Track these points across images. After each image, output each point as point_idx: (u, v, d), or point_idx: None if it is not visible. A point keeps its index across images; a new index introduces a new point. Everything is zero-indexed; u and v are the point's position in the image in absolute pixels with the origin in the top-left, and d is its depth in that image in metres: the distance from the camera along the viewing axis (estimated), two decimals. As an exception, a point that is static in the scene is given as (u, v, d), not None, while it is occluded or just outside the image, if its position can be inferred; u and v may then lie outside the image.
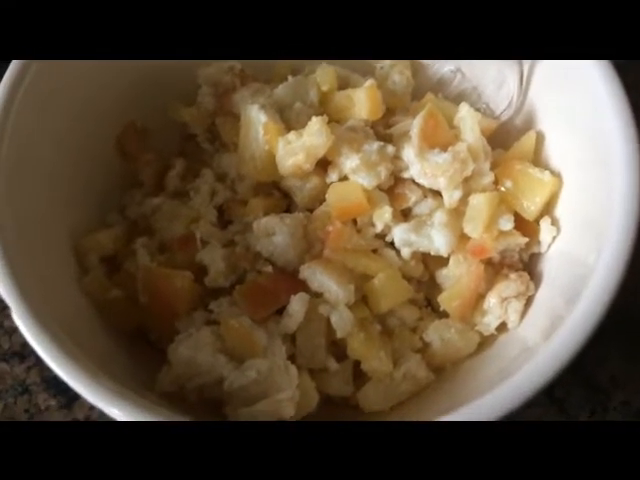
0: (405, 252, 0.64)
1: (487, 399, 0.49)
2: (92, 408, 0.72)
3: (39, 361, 0.73)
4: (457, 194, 0.63)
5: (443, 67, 0.74)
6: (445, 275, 0.65)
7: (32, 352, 0.74)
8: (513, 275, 0.63)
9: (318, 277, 0.62)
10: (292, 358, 0.61)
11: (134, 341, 0.63)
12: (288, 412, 0.55)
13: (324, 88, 0.70)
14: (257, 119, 0.65)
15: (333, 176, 0.65)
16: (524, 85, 0.67)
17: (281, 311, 0.62)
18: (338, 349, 0.63)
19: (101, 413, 0.70)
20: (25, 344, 0.75)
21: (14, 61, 0.60)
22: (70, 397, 0.73)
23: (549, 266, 0.64)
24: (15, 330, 0.77)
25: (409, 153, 0.64)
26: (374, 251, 0.65)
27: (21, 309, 0.50)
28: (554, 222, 0.64)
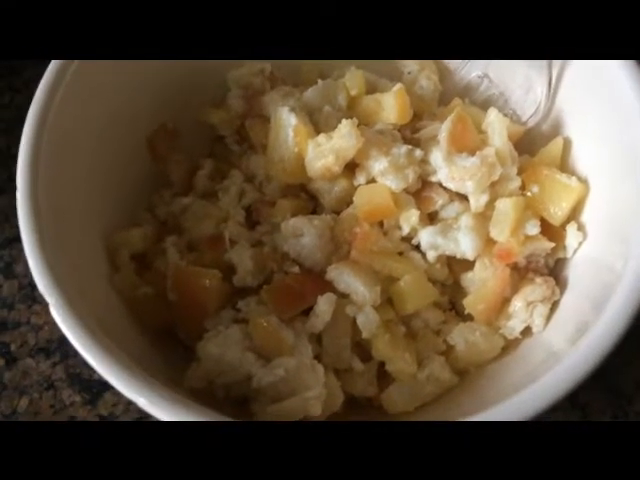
0: (431, 255, 0.65)
1: (511, 402, 0.49)
2: (115, 404, 0.73)
3: (64, 357, 0.76)
4: (484, 198, 0.64)
5: (470, 73, 0.75)
6: (470, 279, 0.66)
7: (57, 348, 0.77)
8: (539, 279, 0.63)
9: (345, 278, 0.63)
10: (318, 358, 0.61)
11: (163, 338, 0.64)
12: (315, 410, 0.55)
13: (353, 92, 0.71)
14: (288, 121, 0.66)
15: (361, 179, 0.66)
16: (552, 91, 0.68)
17: (307, 311, 0.63)
18: (363, 350, 0.64)
19: (125, 409, 0.73)
20: (51, 340, 0.77)
21: (53, 61, 0.62)
22: (94, 393, 0.74)
23: (575, 271, 0.64)
24: (41, 327, 0.78)
25: (437, 157, 0.65)
26: (400, 254, 0.66)
27: (58, 302, 0.51)
28: (580, 228, 0.64)
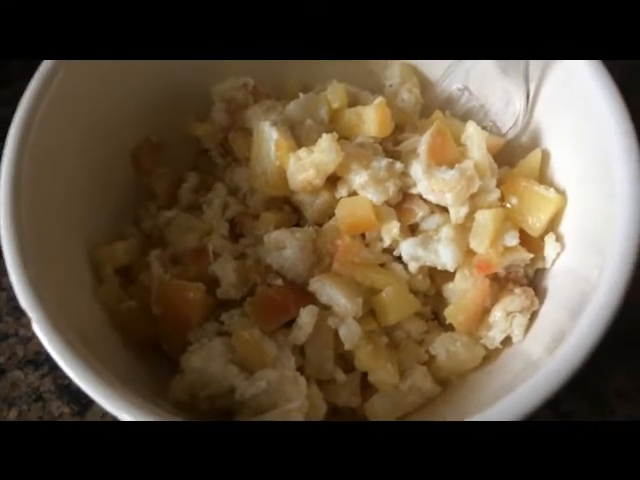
0: (412, 266, 0.65)
1: (491, 412, 0.50)
2: (104, 415, 0.73)
3: (53, 369, 0.76)
4: (464, 210, 0.65)
5: (451, 85, 0.75)
6: (451, 289, 0.66)
7: (46, 360, 0.77)
8: (518, 290, 0.64)
9: (327, 290, 0.63)
10: (301, 369, 0.62)
11: (147, 351, 0.65)
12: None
13: (334, 105, 0.71)
14: (269, 135, 0.66)
15: (342, 191, 0.66)
16: (530, 104, 0.69)
17: (290, 323, 0.64)
18: (346, 361, 0.65)
19: (113, 420, 0.73)
20: (39, 352, 0.78)
21: (36, 75, 0.62)
22: (83, 405, 0.74)
23: (553, 282, 0.65)
24: (30, 339, 0.79)
25: (417, 170, 0.66)
26: (382, 265, 0.66)
27: (40, 318, 0.52)
28: (558, 238, 0.65)
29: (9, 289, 0.80)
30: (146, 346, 0.65)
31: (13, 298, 0.80)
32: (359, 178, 0.65)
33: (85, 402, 0.74)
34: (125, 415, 0.49)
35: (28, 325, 0.78)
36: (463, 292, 0.65)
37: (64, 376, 0.74)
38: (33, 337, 0.78)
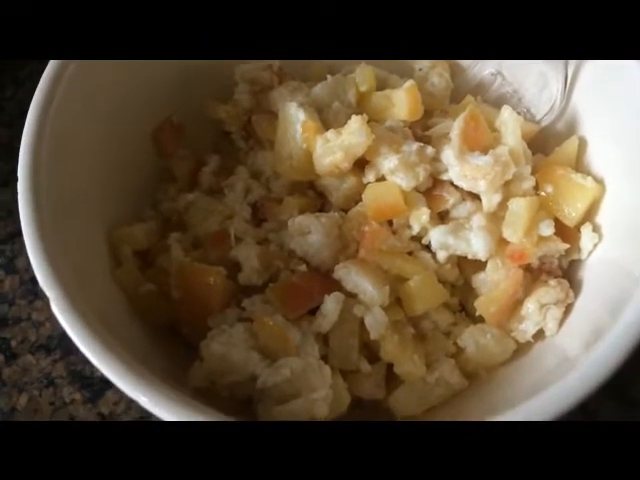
0: (441, 255, 0.63)
1: (521, 410, 0.48)
2: (117, 403, 0.72)
3: (65, 354, 0.75)
4: (497, 198, 0.62)
5: (483, 70, 0.73)
6: (482, 280, 0.64)
7: (58, 345, 0.75)
8: (552, 282, 0.62)
9: (353, 277, 0.61)
10: (324, 359, 0.60)
11: (166, 336, 0.63)
12: (322, 412, 0.54)
13: (362, 88, 0.69)
14: (296, 117, 0.65)
15: (370, 176, 0.64)
16: (567, 89, 0.66)
17: (314, 311, 0.61)
18: (370, 351, 0.62)
19: (126, 408, 0.71)
20: (51, 337, 0.76)
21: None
22: (95, 391, 0.73)
23: (589, 274, 0.63)
24: (42, 323, 0.77)
25: (448, 155, 0.63)
26: (410, 253, 0.64)
27: (58, 297, 0.50)
28: (595, 229, 0.62)
29: (22, 272, 0.80)
30: (165, 331, 0.63)
31: (26, 281, 0.80)
32: (388, 162, 0.62)
33: (97, 389, 0.72)
34: (142, 397, 0.47)
35: (41, 309, 0.78)
36: (495, 283, 0.62)
37: (76, 362, 0.75)
38: (46, 321, 0.77)
